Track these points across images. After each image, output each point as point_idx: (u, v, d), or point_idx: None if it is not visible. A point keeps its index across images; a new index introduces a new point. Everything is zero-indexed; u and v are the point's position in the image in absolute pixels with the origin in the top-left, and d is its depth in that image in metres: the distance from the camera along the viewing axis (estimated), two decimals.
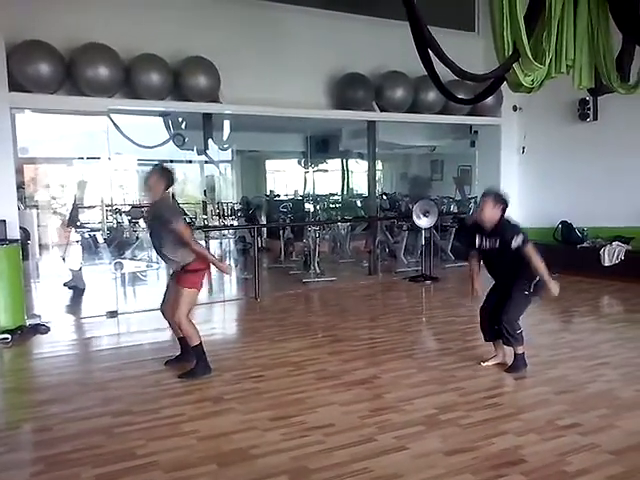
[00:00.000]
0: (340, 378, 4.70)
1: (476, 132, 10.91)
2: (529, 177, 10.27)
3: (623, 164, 8.74)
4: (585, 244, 9.07)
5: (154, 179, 4.78)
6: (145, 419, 3.89)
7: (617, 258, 8.49)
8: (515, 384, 4.59)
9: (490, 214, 4.58)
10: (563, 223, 9.38)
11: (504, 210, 4.61)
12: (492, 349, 5.01)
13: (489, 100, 9.05)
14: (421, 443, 3.55)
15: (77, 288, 8.67)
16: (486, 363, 4.93)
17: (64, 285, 8.71)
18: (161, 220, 4.66)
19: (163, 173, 4.84)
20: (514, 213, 10.73)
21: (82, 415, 4.03)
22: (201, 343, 4.75)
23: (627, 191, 8.69)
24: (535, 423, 3.81)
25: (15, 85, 6.56)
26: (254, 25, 8.04)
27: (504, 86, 6.44)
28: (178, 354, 5.02)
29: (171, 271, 5.01)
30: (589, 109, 9.07)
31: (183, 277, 4.69)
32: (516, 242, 4.45)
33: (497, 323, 4.73)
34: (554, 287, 4.51)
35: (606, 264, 8.50)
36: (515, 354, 4.75)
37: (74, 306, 8.17)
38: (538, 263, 4.47)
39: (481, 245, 4.69)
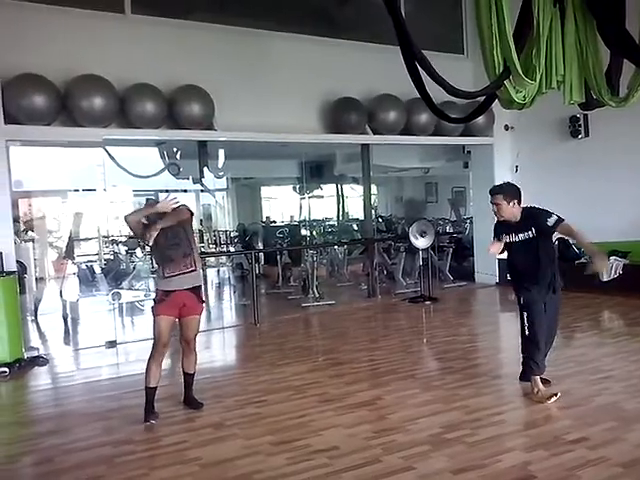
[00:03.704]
0: (343, 400, 4.65)
1: (469, 152, 10.98)
2: (523, 196, 10.21)
3: (616, 179, 8.80)
4: (583, 260, 9.06)
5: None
6: (146, 447, 3.83)
7: (615, 273, 8.49)
8: (520, 400, 4.54)
9: (510, 211, 4.47)
10: (560, 240, 9.36)
11: (520, 199, 4.51)
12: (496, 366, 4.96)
13: (481, 120, 9.16)
14: (428, 462, 3.49)
15: (71, 318, 8.62)
16: (553, 399, 4.40)
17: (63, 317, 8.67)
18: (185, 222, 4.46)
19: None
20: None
21: (83, 446, 3.97)
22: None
23: (621, 205, 8.73)
24: (542, 438, 3.77)
25: (10, 118, 6.59)
26: (247, 52, 8.13)
27: (495, 106, 6.54)
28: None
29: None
30: (580, 126, 9.15)
31: (199, 305, 4.54)
32: (552, 221, 4.33)
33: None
34: (600, 262, 4.41)
35: (604, 279, 8.48)
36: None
37: (73, 337, 8.10)
38: (581, 237, 4.40)
39: (513, 241, 4.49)
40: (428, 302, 8.93)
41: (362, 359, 5.97)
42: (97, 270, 11.25)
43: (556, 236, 9.64)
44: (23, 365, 6.13)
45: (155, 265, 4.51)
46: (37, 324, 8.61)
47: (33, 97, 6.58)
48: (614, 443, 3.66)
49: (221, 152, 11.02)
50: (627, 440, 3.69)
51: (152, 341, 4.44)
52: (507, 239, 4.54)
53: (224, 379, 5.49)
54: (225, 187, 14.93)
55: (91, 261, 11.97)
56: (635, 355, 5.62)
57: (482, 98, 5.96)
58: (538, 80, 4.97)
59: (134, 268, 12.15)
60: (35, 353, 6.51)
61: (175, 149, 10.47)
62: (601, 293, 8.42)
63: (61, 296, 9.03)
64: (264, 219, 15.31)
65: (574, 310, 7.59)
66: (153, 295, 4.50)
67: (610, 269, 8.56)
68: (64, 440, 4.09)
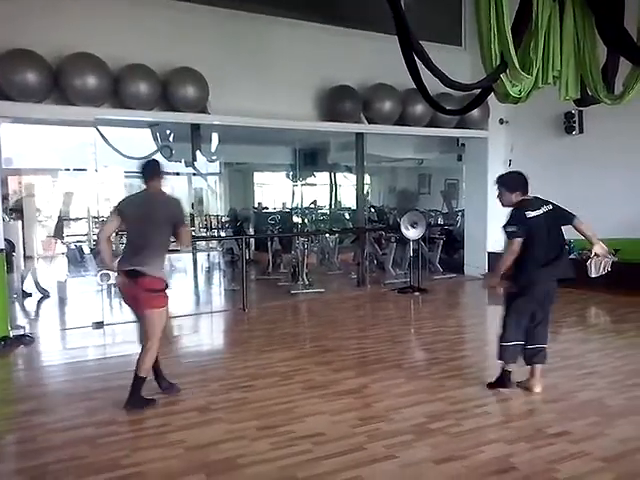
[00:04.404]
0: (329, 388, 4.66)
1: (463, 145, 10.98)
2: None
3: (609, 176, 8.83)
4: (572, 256, 9.10)
5: (157, 178, 4.33)
6: (130, 429, 3.83)
7: (604, 269, 8.51)
8: (504, 393, 4.56)
9: (506, 200, 4.50)
10: None
11: (522, 190, 4.51)
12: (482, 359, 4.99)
13: (476, 113, 9.15)
14: (411, 452, 3.51)
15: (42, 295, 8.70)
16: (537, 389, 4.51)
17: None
18: (169, 216, 4.23)
19: (157, 167, 4.41)
20: (501, 225, 10.66)
21: (66, 425, 3.95)
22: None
23: (613, 202, 8.76)
24: (525, 431, 3.80)
25: (1, 94, 6.51)
26: (243, 37, 8.06)
27: (491, 99, 6.52)
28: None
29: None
30: (575, 122, 9.16)
31: (150, 297, 4.18)
32: (569, 216, 4.43)
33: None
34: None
35: (593, 276, 8.49)
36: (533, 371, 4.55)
37: (59, 317, 8.07)
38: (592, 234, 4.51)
39: (535, 216, 4.39)
40: (417, 293, 8.96)
41: (349, 347, 5.98)
42: (86, 250, 11.20)
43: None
44: (8, 343, 6.11)
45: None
46: (23, 303, 8.57)
47: (25, 73, 6.48)
48: (596, 438, 3.69)
49: (214, 136, 10.95)
50: (609, 435, 3.73)
51: (155, 333, 4.20)
52: (529, 215, 4.39)
53: (210, 363, 5.49)
54: (218, 172, 14.87)
55: (80, 241, 11.92)
56: (620, 352, 5.67)
57: (478, 91, 5.95)
58: (534, 75, 4.96)
59: (124, 250, 12.06)
60: (21, 332, 6.48)
61: (168, 131, 10.39)
62: (588, 289, 8.46)
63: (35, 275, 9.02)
64: (256, 205, 15.27)
65: (562, 306, 7.60)
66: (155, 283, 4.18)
67: (599, 266, 8.59)
68: (47, 419, 4.08)
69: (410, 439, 3.68)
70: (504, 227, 4.38)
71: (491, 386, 4.60)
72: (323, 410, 4.18)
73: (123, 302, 4.57)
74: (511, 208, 4.48)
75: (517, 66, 4.79)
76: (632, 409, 4.18)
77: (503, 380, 4.56)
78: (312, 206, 14.85)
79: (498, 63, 4.87)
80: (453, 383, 4.74)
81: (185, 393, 4.54)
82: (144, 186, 4.37)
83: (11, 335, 6.27)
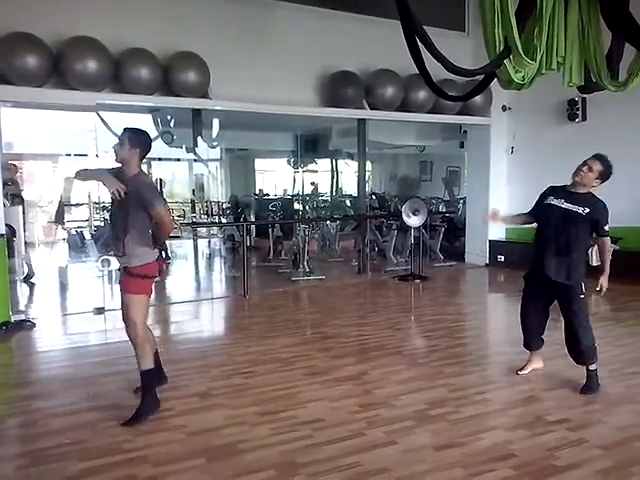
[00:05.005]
0: (329, 374, 4.67)
1: (465, 132, 10.93)
2: (518, 177, 10.29)
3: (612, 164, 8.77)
4: None
5: (127, 149, 3.80)
6: (131, 414, 3.83)
7: None
8: (504, 381, 4.58)
9: (589, 179, 4.33)
10: None
11: (603, 179, 4.39)
12: (484, 346, 4.99)
13: (479, 99, 9.10)
14: (410, 438, 3.53)
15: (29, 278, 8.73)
16: (523, 372, 4.61)
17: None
18: (139, 201, 3.74)
19: (136, 138, 3.84)
20: (503, 213, 10.71)
21: (68, 410, 3.97)
22: (153, 369, 3.94)
23: (615, 191, 8.63)
24: (524, 419, 3.81)
25: (1, 78, 6.47)
26: (245, 22, 7.99)
27: (494, 86, 6.47)
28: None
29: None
30: (578, 109, 9.10)
31: (131, 282, 3.93)
32: (607, 227, 4.30)
33: (571, 343, 4.32)
34: (604, 282, 4.35)
35: (594, 264, 8.49)
36: (589, 372, 4.31)
37: (60, 303, 8.08)
38: (605, 260, 4.32)
39: (552, 205, 4.32)
40: (418, 280, 8.96)
41: (350, 334, 5.99)
42: (87, 236, 11.21)
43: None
44: (10, 328, 6.12)
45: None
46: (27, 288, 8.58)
47: (25, 57, 6.44)
48: (595, 425, 3.71)
49: (215, 122, 10.91)
50: (608, 423, 3.74)
51: (142, 320, 3.99)
52: (550, 200, 4.37)
53: (211, 349, 5.50)
54: (219, 158, 14.85)
55: (81, 227, 11.93)
56: (620, 340, 5.68)
57: (481, 77, 5.90)
58: (538, 60, 4.92)
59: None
60: (22, 317, 6.49)
61: (169, 117, 10.35)
62: (590, 277, 8.45)
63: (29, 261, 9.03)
64: (257, 192, 15.25)
65: None
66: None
67: None
68: (49, 404, 4.10)
69: (410, 425, 3.69)
70: (607, 223, 4.34)
71: (584, 392, 4.26)
72: (323, 396, 4.20)
73: None
74: (601, 201, 4.38)
75: (521, 52, 4.75)
76: (631, 397, 4.19)
77: (596, 381, 4.32)
78: (312, 187, 14.82)
79: (502, 48, 4.83)
80: (453, 370, 4.75)
81: (186, 379, 4.55)
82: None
83: (12, 320, 6.28)
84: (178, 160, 14.70)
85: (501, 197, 10.35)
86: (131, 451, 3.35)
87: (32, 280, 8.76)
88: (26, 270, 8.76)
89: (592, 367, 4.31)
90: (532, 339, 4.59)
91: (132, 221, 3.79)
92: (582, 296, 4.30)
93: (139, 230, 3.83)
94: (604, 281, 4.33)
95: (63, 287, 8.80)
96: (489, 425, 3.72)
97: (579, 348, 4.27)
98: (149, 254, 3.91)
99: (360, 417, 3.81)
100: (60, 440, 3.50)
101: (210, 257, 12.61)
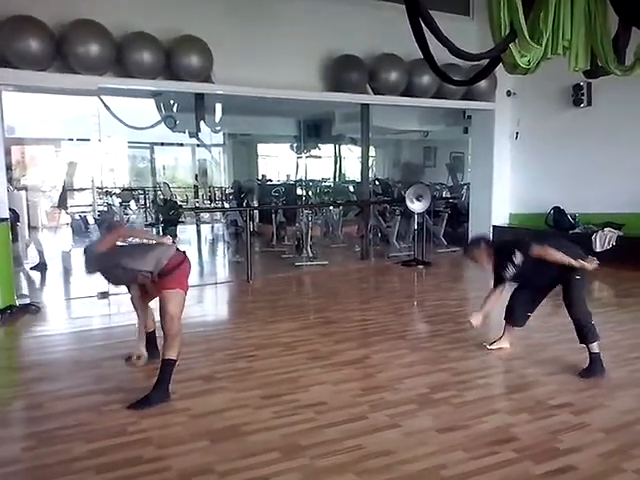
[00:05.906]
0: (332, 358, 4.69)
1: (469, 117, 10.87)
2: (522, 163, 10.26)
3: (616, 150, 8.74)
4: (577, 230, 9.09)
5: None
6: (136, 397, 3.85)
7: (608, 244, 8.52)
8: (507, 365, 4.60)
9: (482, 262, 4.73)
10: (555, 209, 9.39)
11: (486, 245, 4.70)
12: (486, 331, 5.01)
13: (483, 84, 9.05)
14: (413, 421, 3.55)
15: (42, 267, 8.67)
16: (492, 346, 4.83)
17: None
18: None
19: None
20: (506, 199, 10.63)
21: (73, 393, 4.00)
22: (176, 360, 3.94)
23: (619, 177, 8.69)
24: (527, 403, 3.83)
25: (2, 61, 6.45)
26: (248, 5, 7.93)
27: (498, 70, 6.41)
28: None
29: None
30: (583, 94, 9.03)
31: (167, 280, 3.95)
32: (517, 258, 4.40)
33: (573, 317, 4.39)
34: (588, 265, 4.29)
35: (597, 250, 8.51)
36: (591, 354, 4.31)
37: (65, 287, 8.11)
38: (556, 257, 4.27)
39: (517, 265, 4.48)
40: (421, 266, 8.97)
41: (353, 319, 6.01)
42: (91, 221, 11.23)
43: (551, 205, 9.57)
44: (14, 312, 6.14)
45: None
46: (30, 272, 8.61)
47: (27, 40, 6.41)
48: (598, 409, 3.73)
49: (218, 106, 10.89)
50: (610, 407, 3.76)
51: (178, 315, 3.94)
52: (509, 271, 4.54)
53: (215, 333, 5.54)
54: (221, 143, 14.81)
55: (85, 212, 11.94)
56: (622, 325, 5.68)
57: (486, 61, 5.85)
58: (544, 45, 4.86)
59: (128, 220, 12.11)
60: (27, 301, 6.52)
61: (172, 101, 10.33)
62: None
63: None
64: (260, 177, 15.22)
65: None
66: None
67: (604, 240, 8.59)
68: (54, 387, 4.13)
69: (413, 409, 3.71)
70: (515, 253, 4.47)
71: (583, 375, 4.27)
72: (326, 380, 4.22)
73: None
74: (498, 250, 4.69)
75: (526, 35, 4.69)
76: (633, 381, 4.21)
77: (599, 365, 4.32)
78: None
79: (507, 32, 4.78)
80: (456, 354, 4.77)
81: (190, 362, 4.57)
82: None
83: (17, 304, 6.31)
84: (181, 145, 14.68)
85: (505, 183, 10.33)
86: (136, 433, 3.38)
87: (44, 271, 8.70)
88: (37, 258, 8.73)
89: (594, 349, 4.32)
90: (516, 314, 4.74)
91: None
92: (578, 277, 4.35)
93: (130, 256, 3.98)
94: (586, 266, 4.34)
95: (67, 272, 8.83)
96: (491, 409, 3.73)
97: (575, 317, 4.39)
98: (162, 251, 4.01)
99: (363, 400, 3.83)
100: (66, 422, 3.52)
101: (213, 242, 12.63)
